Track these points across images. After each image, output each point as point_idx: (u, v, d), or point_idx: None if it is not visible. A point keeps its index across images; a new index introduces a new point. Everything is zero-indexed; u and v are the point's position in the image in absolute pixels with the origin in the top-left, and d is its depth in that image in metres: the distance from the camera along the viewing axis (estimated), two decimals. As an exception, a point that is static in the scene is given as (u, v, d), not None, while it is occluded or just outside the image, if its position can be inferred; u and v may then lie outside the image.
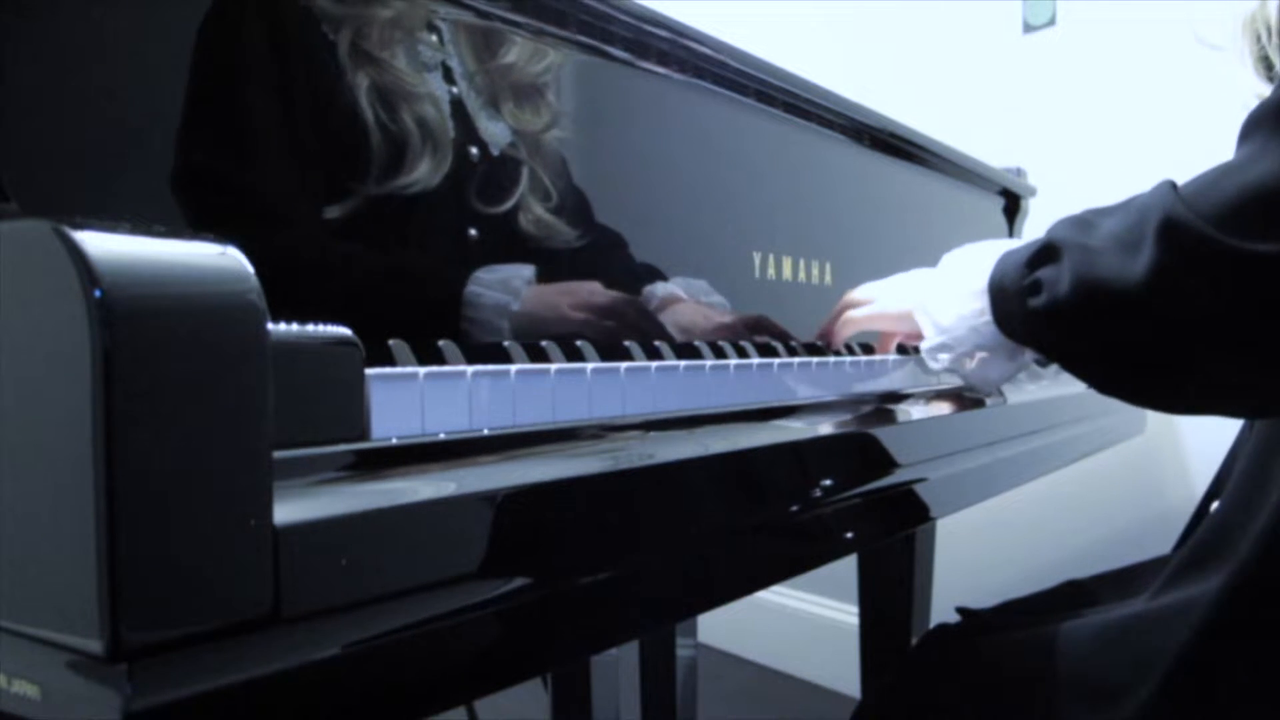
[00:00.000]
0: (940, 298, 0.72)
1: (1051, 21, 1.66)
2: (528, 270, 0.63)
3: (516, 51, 0.64)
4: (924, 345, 0.73)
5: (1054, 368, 0.98)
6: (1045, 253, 0.61)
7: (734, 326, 0.81)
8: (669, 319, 0.74)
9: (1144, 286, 0.53)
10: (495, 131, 0.62)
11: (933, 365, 0.74)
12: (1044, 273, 0.61)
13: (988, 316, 0.68)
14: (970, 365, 0.72)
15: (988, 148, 1.35)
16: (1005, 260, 0.67)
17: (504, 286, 0.60)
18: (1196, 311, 0.53)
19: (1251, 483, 0.65)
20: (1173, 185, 0.56)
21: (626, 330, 0.68)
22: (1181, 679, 0.58)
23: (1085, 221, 0.61)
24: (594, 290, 0.68)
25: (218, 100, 0.49)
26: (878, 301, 0.80)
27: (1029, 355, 0.72)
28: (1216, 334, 0.53)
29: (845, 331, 0.83)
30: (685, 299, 0.76)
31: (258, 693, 0.29)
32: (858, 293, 0.83)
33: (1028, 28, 1.69)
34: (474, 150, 0.60)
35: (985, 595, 1.04)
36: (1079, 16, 1.62)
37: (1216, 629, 0.58)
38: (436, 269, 0.58)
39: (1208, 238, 0.50)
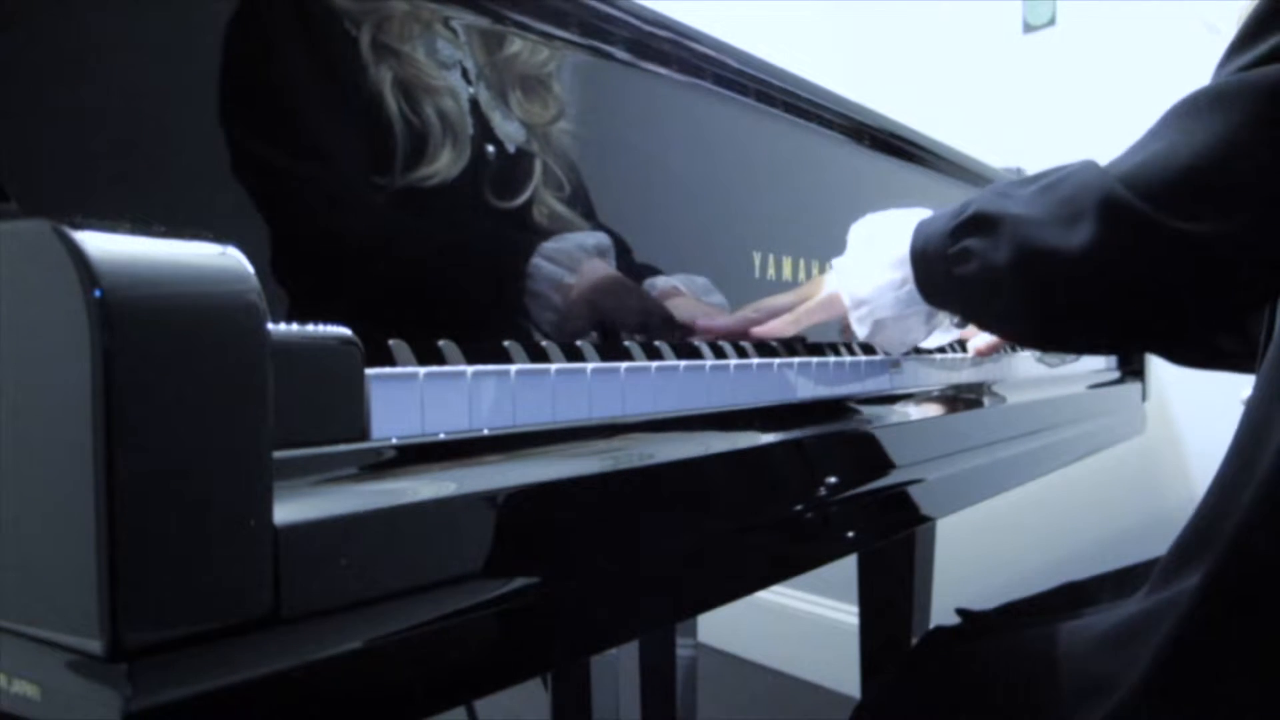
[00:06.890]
0: (860, 271, 0.75)
1: (1051, 21, 1.66)
2: (592, 239, 0.66)
3: (525, 51, 0.64)
4: (851, 316, 0.76)
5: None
6: (974, 222, 0.66)
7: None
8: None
9: (1085, 258, 0.60)
10: (494, 131, 0.62)
11: (858, 333, 0.76)
12: (972, 242, 0.66)
13: (910, 285, 0.72)
14: (888, 330, 0.76)
15: (988, 148, 1.35)
16: (925, 229, 0.71)
17: (567, 258, 0.64)
18: (1134, 278, 0.60)
19: (1233, 478, 0.65)
20: (1099, 165, 0.62)
21: (668, 330, 0.72)
22: (1164, 675, 0.59)
23: (1004, 193, 0.67)
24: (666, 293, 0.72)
25: (218, 99, 0.49)
26: (805, 300, 0.78)
27: (943, 315, 0.77)
28: (1151, 295, 0.61)
29: (779, 334, 0.78)
30: (685, 294, 0.76)
31: (258, 693, 0.29)
32: (772, 301, 0.80)
33: (1028, 28, 1.69)
34: (475, 150, 0.60)
35: (985, 595, 1.04)
36: (1079, 16, 1.62)
37: (1197, 623, 0.59)
38: (437, 268, 0.58)
39: (1148, 218, 0.57)
